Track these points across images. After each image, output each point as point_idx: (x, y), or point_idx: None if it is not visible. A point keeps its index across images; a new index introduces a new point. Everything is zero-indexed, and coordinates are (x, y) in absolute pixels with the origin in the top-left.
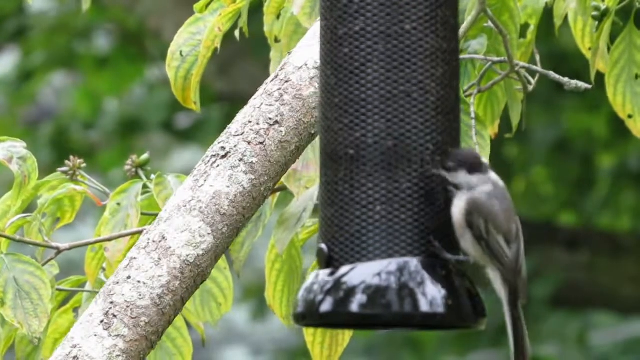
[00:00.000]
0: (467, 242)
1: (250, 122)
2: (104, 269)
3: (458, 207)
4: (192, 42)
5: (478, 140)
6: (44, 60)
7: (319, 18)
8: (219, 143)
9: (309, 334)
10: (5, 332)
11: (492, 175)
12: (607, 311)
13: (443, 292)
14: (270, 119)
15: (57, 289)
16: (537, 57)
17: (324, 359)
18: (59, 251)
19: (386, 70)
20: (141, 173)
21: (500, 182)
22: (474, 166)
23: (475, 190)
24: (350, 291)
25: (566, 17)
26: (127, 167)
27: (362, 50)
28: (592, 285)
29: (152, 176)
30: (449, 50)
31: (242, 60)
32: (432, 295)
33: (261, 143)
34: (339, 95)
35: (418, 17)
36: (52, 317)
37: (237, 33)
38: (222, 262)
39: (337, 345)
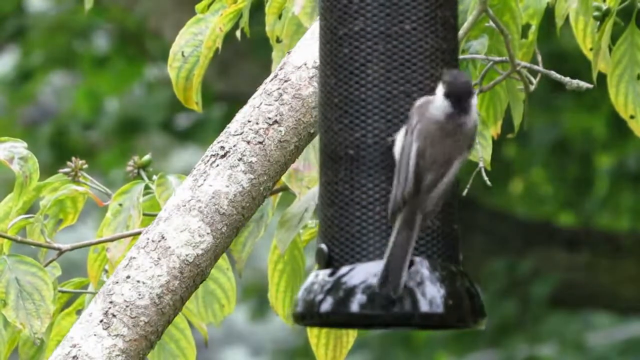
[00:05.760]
0: (400, 135)
1: (249, 121)
2: (106, 271)
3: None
4: (194, 43)
5: (480, 141)
6: (44, 60)
7: (318, 17)
8: (218, 143)
9: (313, 335)
10: (8, 334)
11: (468, 115)
12: (606, 311)
13: (442, 292)
14: (269, 118)
15: (60, 291)
16: (539, 57)
17: None
18: (60, 252)
19: (386, 71)
20: (143, 174)
21: (469, 121)
22: (451, 93)
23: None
24: (350, 291)
25: (567, 17)
26: (129, 168)
27: (362, 51)
28: (592, 285)
29: (154, 177)
30: (448, 51)
31: (241, 61)
32: (431, 295)
33: (260, 142)
34: (339, 96)
35: (418, 18)
36: (55, 319)
37: (238, 33)
38: (225, 263)
39: (341, 347)
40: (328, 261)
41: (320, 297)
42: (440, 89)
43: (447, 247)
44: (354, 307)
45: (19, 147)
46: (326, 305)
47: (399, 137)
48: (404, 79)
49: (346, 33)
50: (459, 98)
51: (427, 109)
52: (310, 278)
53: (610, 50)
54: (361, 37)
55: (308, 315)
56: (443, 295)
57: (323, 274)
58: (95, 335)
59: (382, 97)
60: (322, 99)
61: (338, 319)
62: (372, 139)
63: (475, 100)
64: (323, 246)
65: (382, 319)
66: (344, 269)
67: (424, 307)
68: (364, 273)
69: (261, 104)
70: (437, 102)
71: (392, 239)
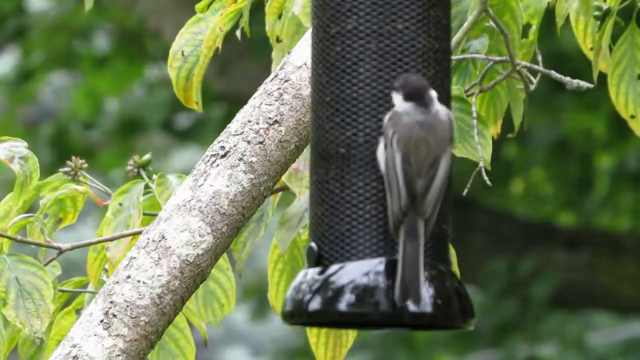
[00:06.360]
0: (379, 152)
1: (249, 121)
2: (106, 270)
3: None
4: (194, 42)
5: (480, 140)
6: (44, 60)
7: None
8: (218, 142)
9: (312, 335)
10: (8, 333)
11: (436, 107)
12: (606, 311)
13: (431, 291)
14: (269, 118)
15: (60, 290)
16: (539, 57)
17: None
18: (60, 251)
19: (378, 70)
20: (143, 173)
21: (441, 114)
22: (411, 94)
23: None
24: (339, 290)
25: (567, 17)
26: (128, 168)
27: (354, 49)
28: (592, 285)
29: (154, 176)
30: (440, 50)
31: (241, 61)
32: None
33: (261, 142)
34: (331, 94)
35: (410, 17)
36: (55, 318)
37: (238, 33)
38: (225, 262)
39: (341, 346)
40: (317, 260)
41: (308, 296)
42: (398, 97)
43: (436, 246)
44: (342, 306)
45: (20, 146)
46: (314, 304)
47: (380, 152)
48: (396, 78)
49: (338, 31)
50: (418, 95)
51: (397, 118)
52: (299, 277)
53: (610, 50)
54: (353, 35)
55: (297, 314)
56: (432, 295)
57: (312, 273)
58: (95, 335)
59: (373, 96)
60: (314, 97)
61: (326, 317)
62: (363, 137)
63: (434, 93)
64: (313, 244)
65: (371, 318)
66: (333, 268)
67: (412, 306)
68: (353, 272)
69: (261, 103)
70: (403, 108)
71: (400, 253)
